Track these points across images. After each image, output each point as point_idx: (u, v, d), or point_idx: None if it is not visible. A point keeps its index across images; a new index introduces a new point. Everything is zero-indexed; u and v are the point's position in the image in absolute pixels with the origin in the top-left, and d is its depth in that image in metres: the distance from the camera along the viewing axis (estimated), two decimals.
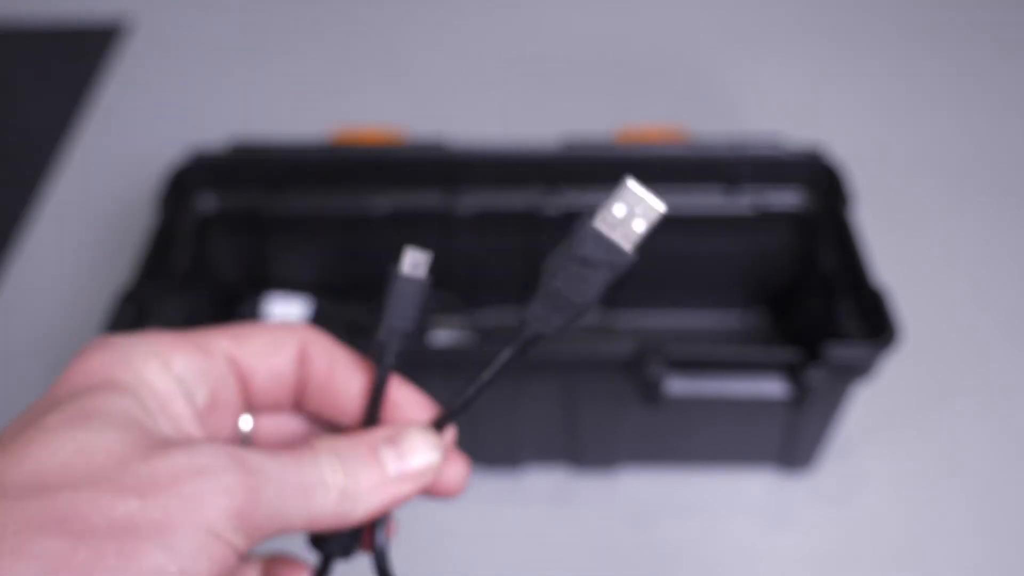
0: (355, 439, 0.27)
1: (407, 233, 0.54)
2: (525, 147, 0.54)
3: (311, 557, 0.29)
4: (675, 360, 0.45)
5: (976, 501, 0.51)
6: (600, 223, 0.27)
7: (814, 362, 0.45)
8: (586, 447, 0.51)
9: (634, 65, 0.79)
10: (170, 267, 0.51)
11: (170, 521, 0.22)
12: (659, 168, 0.53)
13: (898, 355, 0.48)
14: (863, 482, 0.51)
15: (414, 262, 0.29)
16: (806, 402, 0.46)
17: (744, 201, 0.54)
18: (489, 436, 0.50)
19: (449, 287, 0.57)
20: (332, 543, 0.29)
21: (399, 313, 0.29)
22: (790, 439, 0.49)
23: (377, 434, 0.28)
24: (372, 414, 0.29)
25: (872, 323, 0.46)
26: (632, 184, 0.27)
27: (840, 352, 0.44)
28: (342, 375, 0.29)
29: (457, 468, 0.29)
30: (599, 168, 0.54)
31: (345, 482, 0.26)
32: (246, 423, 0.29)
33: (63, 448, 0.23)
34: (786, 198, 0.54)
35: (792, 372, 0.46)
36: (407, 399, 0.29)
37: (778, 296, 0.58)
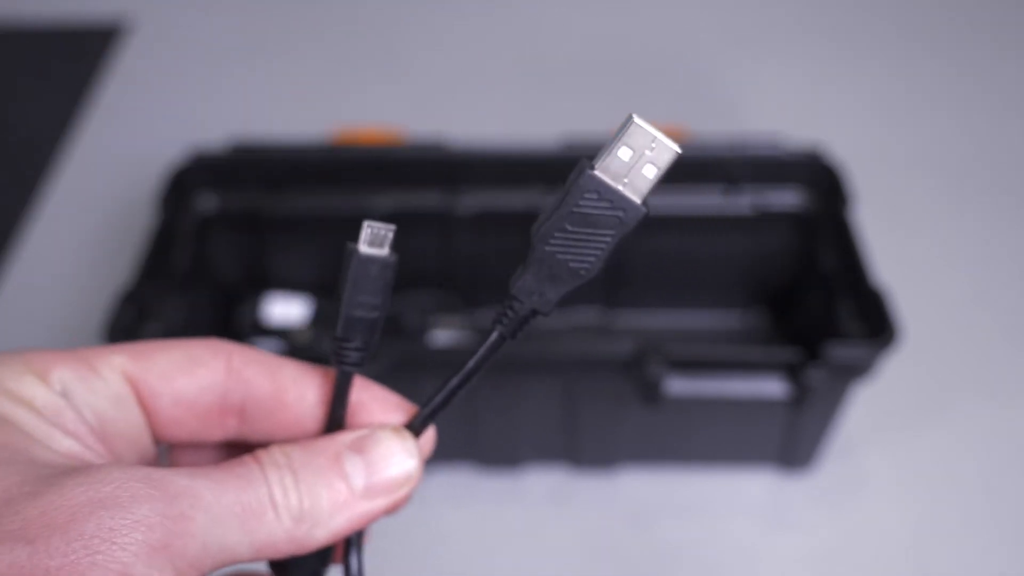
0: (312, 447, 0.23)
1: (407, 233, 0.54)
2: (525, 147, 0.54)
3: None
4: (675, 360, 0.45)
5: (976, 501, 0.51)
6: (602, 171, 0.22)
7: (814, 362, 0.45)
8: (586, 447, 0.51)
9: (634, 65, 0.79)
10: (170, 267, 0.51)
11: (70, 569, 0.18)
12: None
13: (898, 355, 0.48)
14: (863, 482, 0.51)
15: (374, 237, 0.24)
16: (806, 402, 0.46)
17: (744, 201, 0.54)
18: (489, 436, 0.50)
19: (449, 287, 0.57)
20: (295, 569, 0.25)
21: (360, 300, 0.24)
22: (790, 439, 0.49)
23: (340, 439, 0.23)
24: (333, 422, 0.24)
25: (872, 323, 0.46)
26: (639, 121, 0.22)
27: (840, 352, 0.44)
28: (291, 388, 0.24)
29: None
30: None
31: (300, 502, 0.22)
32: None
33: None
34: (786, 198, 0.54)
35: (792, 372, 0.46)
36: (374, 399, 0.25)
37: (778, 296, 0.58)
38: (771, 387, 0.46)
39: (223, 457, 0.26)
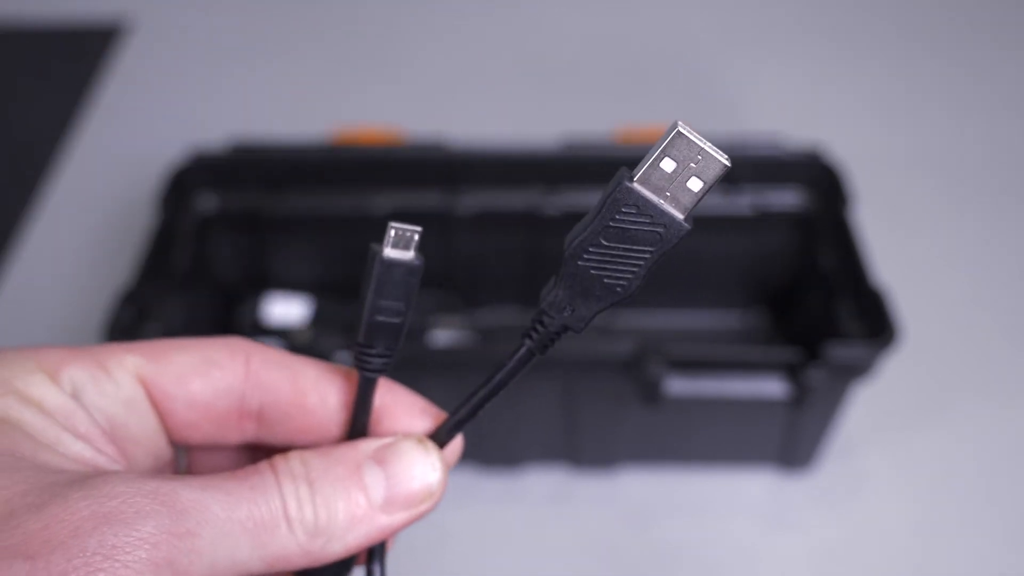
0: (332, 455, 0.22)
1: None
2: (525, 147, 0.54)
3: None
4: (675, 360, 0.45)
5: (976, 501, 0.51)
6: (642, 183, 0.20)
7: (814, 362, 0.45)
8: (586, 447, 0.51)
9: (634, 65, 0.79)
10: (170, 267, 0.51)
11: None
12: None
13: (898, 355, 0.48)
14: (863, 482, 0.51)
15: (399, 239, 0.22)
16: (806, 402, 0.46)
17: (744, 201, 0.54)
18: (489, 436, 0.50)
19: (449, 287, 0.57)
20: None
21: (383, 306, 0.22)
22: (790, 439, 0.49)
23: (361, 448, 0.22)
24: (356, 428, 0.23)
25: (872, 323, 0.46)
26: (684, 130, 0.20)
27: (840, 352, 0.44)
28: (312, 392, 0.23)
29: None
30: (599, 168, 0.54)
31: (316, 516, 0.21)
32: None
33: None
34: (786, 198, 0.54)
35: (792, 372, 0.46)
36: (399, 402, 0.24)
37: (778, 296, 0.58)
38: (771, 387, 0.46)
39: (244, 458, 0.25)
